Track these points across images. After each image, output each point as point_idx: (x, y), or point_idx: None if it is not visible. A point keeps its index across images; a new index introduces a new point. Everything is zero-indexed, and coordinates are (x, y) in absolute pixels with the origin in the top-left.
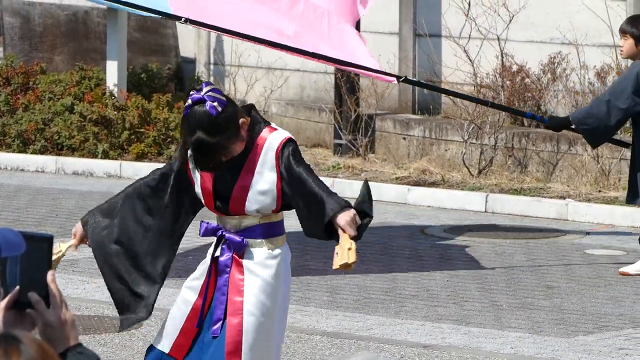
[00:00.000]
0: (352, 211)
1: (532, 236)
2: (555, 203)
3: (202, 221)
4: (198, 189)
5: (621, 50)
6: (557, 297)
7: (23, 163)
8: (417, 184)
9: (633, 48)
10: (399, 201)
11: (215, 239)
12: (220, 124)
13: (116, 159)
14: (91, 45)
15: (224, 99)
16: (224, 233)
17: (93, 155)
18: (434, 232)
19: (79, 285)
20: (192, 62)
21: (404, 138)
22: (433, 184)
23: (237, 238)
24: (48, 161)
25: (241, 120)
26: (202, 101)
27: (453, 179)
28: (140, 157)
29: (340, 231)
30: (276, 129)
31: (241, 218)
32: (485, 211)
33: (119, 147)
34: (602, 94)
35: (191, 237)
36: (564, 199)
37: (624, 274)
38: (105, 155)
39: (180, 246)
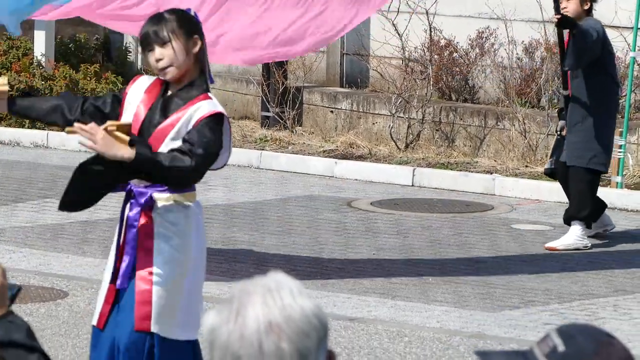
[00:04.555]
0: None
1: (459, 210)
2: (482, 178)
3: None
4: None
5: (565, 10)
6: (483, 272)
7: None
8: (344, 157)
9: (579, 8)
10: (326, 174)
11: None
12: (186, 17)
13: (43, 128)
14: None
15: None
16: (132, 187)
17: (20, 124)
18: (361, 205)
19: (5, 254)
20: (120, 33)
21: (332, 111)
22: (360, 158)
23: (144, 190)
24: None
25: (196, 36)
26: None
27: (380, 153)
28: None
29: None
30: (211, 98)
31: None
32: (412, 185)
33: None
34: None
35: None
36: (491, 173)
37: (550, 249)
38: (32, 125)
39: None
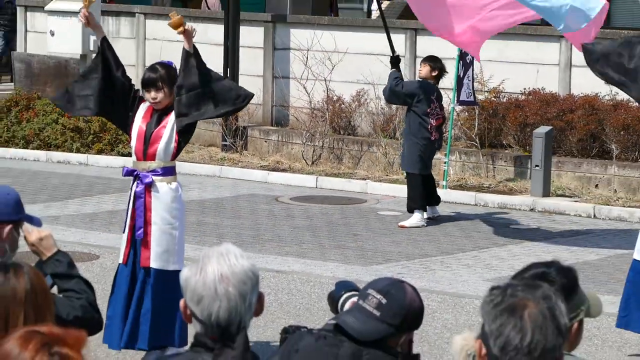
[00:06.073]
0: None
1: (345, 203)
2: (359, 182)
3: (124, 167)
4: (135, 131)
5: (420, 71)
6: (360, 241)
7: (25, 155)
8: (274, 170)
9: (429, 74)
10: (262, 181)
11: (132, 178)
12: (171, 71)
13: (84, 153)
14: (70, 82)
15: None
16: (138, 173)
17: (70, 150)
18: (284, 200)
19: (60, 232)
20: None
21: (266, 141)
22: (284, 170)
23: (147, 175)
24: (41, 154)
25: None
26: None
27: (296, 167)
28: (100, 152)
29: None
30: None
31: (150, 163)
32: (317, 187)
33: (86, 145)
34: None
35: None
36: (365, 180)
37: (401, 226)
38: (77, 150)
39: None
